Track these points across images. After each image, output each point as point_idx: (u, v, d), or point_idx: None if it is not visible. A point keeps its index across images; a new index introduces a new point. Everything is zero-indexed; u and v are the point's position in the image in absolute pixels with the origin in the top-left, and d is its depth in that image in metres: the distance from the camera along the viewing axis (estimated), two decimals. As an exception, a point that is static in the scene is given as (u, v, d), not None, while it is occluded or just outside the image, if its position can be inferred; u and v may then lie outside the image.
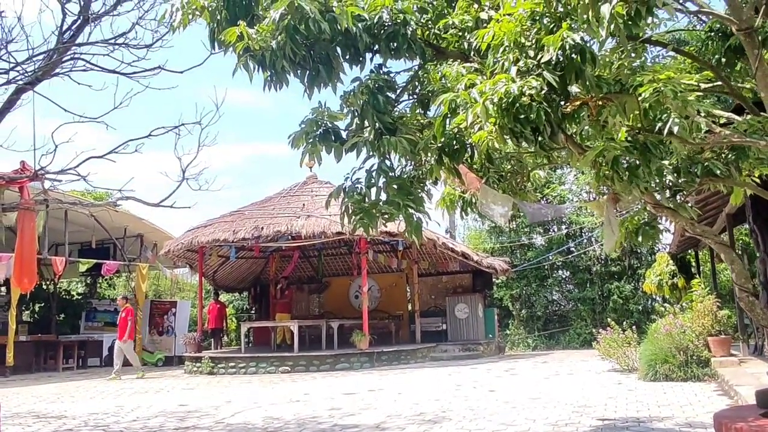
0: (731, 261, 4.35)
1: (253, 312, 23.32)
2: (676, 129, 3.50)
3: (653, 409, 7.40)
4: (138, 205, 8.65)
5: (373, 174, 4.19)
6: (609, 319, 13.80)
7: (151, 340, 20.62)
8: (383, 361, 15.67)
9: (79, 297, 24.53)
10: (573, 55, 3.30)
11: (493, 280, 21.26)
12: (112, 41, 6.94)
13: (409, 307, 20.28)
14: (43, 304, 21.89)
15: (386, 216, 4.24)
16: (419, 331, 18.69)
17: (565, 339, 22.61)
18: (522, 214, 6.33)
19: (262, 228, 16.22)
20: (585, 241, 23.81)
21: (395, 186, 4.18)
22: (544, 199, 22.36)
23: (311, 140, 4.35)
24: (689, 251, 16.80)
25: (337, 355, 15.44)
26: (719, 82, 4.52)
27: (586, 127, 3.92)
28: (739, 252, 15.24)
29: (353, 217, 4.32)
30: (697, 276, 15.55)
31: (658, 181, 3.92)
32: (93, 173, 7.24)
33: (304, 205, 17.10)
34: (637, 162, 3.63)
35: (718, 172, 4.49)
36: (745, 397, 6.63)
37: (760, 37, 3.74)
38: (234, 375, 15.15)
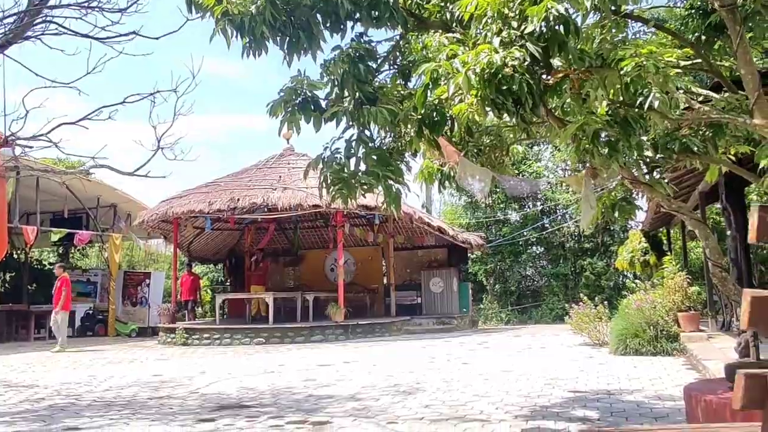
0: (705, 237, 4.40)
1: (228, 284, 23.24)
2: (656, 104, 3.51)
3: (623, 382, 7.54)
4: (113, 174, 8.51)
5: (353, 144, 4.14)
6: (581, 295, 13.99)
7: (124, 311, 20.46)
8: (358, 333, 15.74)
9: (51, 267, 24.20)
10: (557, 27, 3.28)
11: (468, 255, 21.41)
12: (85, 4, 6.76)
13: (385, 281, 20.37)
14: (14, 274, 21.59)
15: (365, 187, 4.21)
16: (394, 305, 18.80)
17: (538, 314, 22.91)
18: (499, 189, 6.35)
19: (238, 200, 16.09)
20: (559, 217, 24.05)
21: (374, 157, 4.14)
22: (521, 174, 22.47)
23: (290, 109, 4.28)
24: (661, 229, 17.05)
25: (312, 328, 15.48)
26: (698, 60, 4.54)
27: (568, 101, 3.91)
28: (710, 229, 15.49)
29: (332, 187, 4.28)
30: (669, 253, 15.79)
31: (636, 156, 3.93)
32: (65, 140, 7.07)
33: (280, 177, 16.98)
34: (617, 136, 3.63)
35: (695, 148, 4.52)
36: (713, 371, 6.77)
37: (741, 15, 3.75)
38: (208, 346, 15.12)
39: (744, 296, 2.14)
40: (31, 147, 7.35)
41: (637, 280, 17.31)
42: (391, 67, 4.66)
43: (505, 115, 3.52)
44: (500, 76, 3.24)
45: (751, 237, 2.20)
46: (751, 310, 2.16)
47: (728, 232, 9.00)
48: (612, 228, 22.90)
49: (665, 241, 17.41)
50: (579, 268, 23.21)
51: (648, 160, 4.76)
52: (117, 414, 6.50)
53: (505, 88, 3.26)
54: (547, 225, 24.05)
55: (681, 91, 4.21)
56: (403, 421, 5.76)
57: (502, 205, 24.81)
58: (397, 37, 4.50)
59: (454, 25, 4.21)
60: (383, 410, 6.30)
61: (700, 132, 4.67)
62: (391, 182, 4.14)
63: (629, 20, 4.62)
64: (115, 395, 7.78)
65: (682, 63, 4.55)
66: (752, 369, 4.34)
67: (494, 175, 5.39)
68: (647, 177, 4.77)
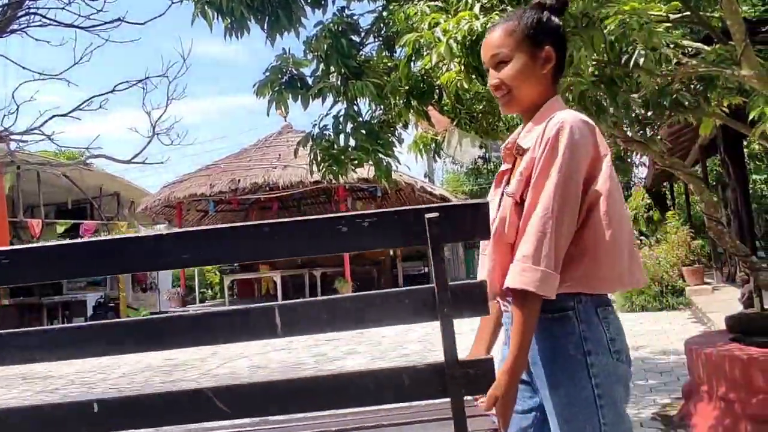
0: (700, 191, 4.39)
1: (235, 265, 23.35)
2: (642, 61, 3.47)
3: (629, 338, 7.52)
4: (112, 163, 8.53)
5: (341, 120, 4.13)
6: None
7: (135, 298, 20.64)
8: (367, 306, 15.83)
9: (59, 258, 24.37)
10: (537, -11, 3.24)
11: (473, 221, 21.41)
12: (68, -6, 6.71)
13: (391, 253, 20.43)
14: (23, 267, 21.72)
15: (355, 162, 4.21)
16: (401, 276, 18.88)
17: (546, 276, 22.98)
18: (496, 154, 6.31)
19: (239, 180, 16.09)
20: (562, 178, 23.98)
21: (363, 131, 4.13)
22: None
23: (277, 88, 4.25)
24: (664, 184, 17.00)
25: (321, 303, 15.56)
26: (688, 12, 4.48)
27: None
28: (714, 183, 15.43)
29: (322, 164, 4.28)
30: (672, 208, 15.77)
31: (625, 114, 3.90)
32: (59, 132, 7.09)
33: (280, 155, 16.93)
34: (604, 96, 3.61)
35: (687, 103, 4.48)
36: (718, 323, 6.81)
37: (725, -36, 3.68)
38: (219, 327, 15.24)
39: None
40: (26, 141, 7.36)
41: (642, 237, 17.32)
42: (376, 40, 4.62)
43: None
44: (482, 42, 3.21)
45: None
46: None
47: (728, 184, 8.97)
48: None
49: (669, 197, 17.37)
50: (584, 228, 23.21)
51: (640, 117, 4.72)
52: (130, 400, 6.60)
53: (487, 54, 3.23)
54: (551, 187, 24.01)
55: (672, 46, 4.17)
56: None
57: (504, 170, 24.73)
58: (380, 8, 4.46)
59: (436, -8, 4.15)
60: (392, 381, 6.38)
61: (692, 86, 4.63)
62: (381, 156, 4.14)
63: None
64: (129, 381, 7.90)
65: (672, 16, 4.49)
66: (752, 319, 4.36)
67: (485, 141, 5.36)
68: (640, 134, 4.74)
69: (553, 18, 1.78)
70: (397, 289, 1.60)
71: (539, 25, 1.75)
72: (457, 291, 1.48)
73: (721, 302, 8.44)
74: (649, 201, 15.57)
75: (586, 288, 1.61)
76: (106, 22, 6.77)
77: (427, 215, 1.48)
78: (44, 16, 6.58)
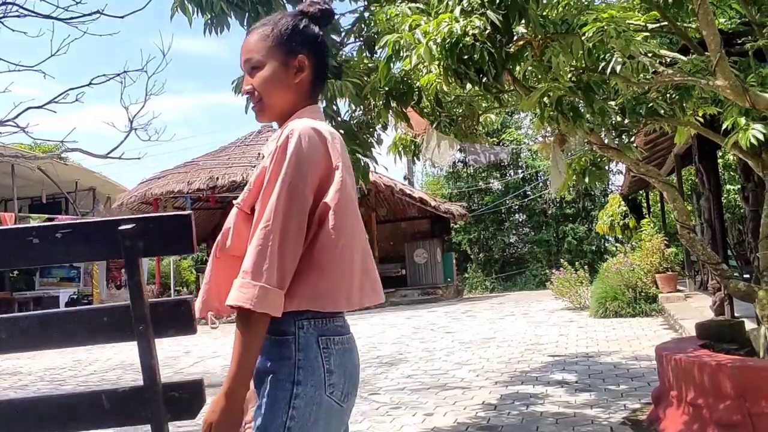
0: (673, 199, 4.44)
1: (212, 263, 23.18)
2: (618, 68, 3.51)
3: (602, 344, 7.67)
4: (92, 158, 8.44)
5: (319, 119, 4.11)
6: (563, 260, 14.12)
7: (109, 295, 20.39)
8: (343, 307, 15.79)
9: (32, 253, 24.02)
10: (516, -6, 3.26)
11: (451, 225, 21.49)
12: (46, -16, 6.60)
13: (369, 254, 20.40)
14: (-6, 261, 21.38)
15: (332, 161, 4.19)
16: (378, 277, 18.85)
17: (522, 281, 23.13)
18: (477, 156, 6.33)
19: (218, 178, 16.00)
20: (541, 184, 24.16)
21: (341, 131, 4.12)
22: (501, 143, 22.53)
23: (256, 86, 4.23)
24: (640, 192, 17.18)
25: (298, 303, 15.51)
26: (666, 23, 4.53)
27: (530, 68, 3.90)
28: (689, 193, 15.63)
29: (300, 163, 4.26)
30: (648, 216, 15.95)
31: (601, 120, 3.94)
32: (34, 125, 6.97)
33: (259, 154, 16.84)
34: (581, 102, 3.64)
35: (662, 111, 4.54)
36: (689, 330, 6.89)
37: (702, -25, 3.73)
38: (194, 326, 15.11)
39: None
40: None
41: (618, 244, 17.48)
42: (357, 40, 4.61)
43: (469, 84, 3.51)
44: (461, 45, 3.22)
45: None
46: None
47: (703, 193, 9.09)
48: (593, 193, 23.09)
49: (645, 204, 17.58)
50: (561, 234, 23.40)
51: (616, 124, 4.78)
52: (100, 397, 6.52)
53: (466, 57, 3.24)
54: (529, 192, 24.18)
55: (650, 55, 4.22)
56: (385, 392, 5.83)
57: (483, 174, 24.89)
58: (361, 9, 4.46)
59: (417, -6, 4.16)
60: (366, 382, 6.37)
61: (668, 95, 4.69)
62: (358, 155, 4.13)
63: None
64: (100, 379, 7.80)
65: (651, 26, 4.55)
66: (722, 327, 4.43)
67: (462, 144, 5.38)
68: (616, 141, 4.79)
69: (311, 26, 1.71)
70: (96, 306, 1.49)
71: (294, 32, 1.68)
72: (159, 309, 1.40)
73: (693, 309, 8.55)
74: (625, 208, 15.73)
75: (313, 305, 1.51)
76: (84, 14, 6.65)
77: (121, 227, 1.39)
78: (22, 7, 6.46)
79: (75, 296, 20.06)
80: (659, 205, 16.26)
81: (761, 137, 3.51)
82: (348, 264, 1.55)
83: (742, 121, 3.61)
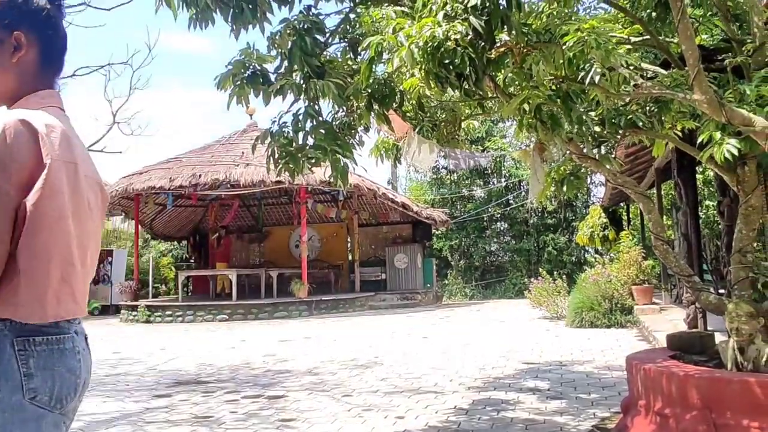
0: (649, 210, 4.50)
1: (192, 261, 23.06)
2: (597, 78, 3.55)
3: (576, 353, 7.72)
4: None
5: (300, 118, 4.12)
6: (541, 270, 14.21)
7: (85, 289, 20.18)
8: (322, 309, 15.79)
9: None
10: (499, 1, 3.28)
11: (433, 231, 21.55)
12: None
13: (350, 257, 20.42)
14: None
15: (312, 161, 4.20)
16: (359, 281, 18.88)
17: (502, 289, 23.23)
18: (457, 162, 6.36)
19: (200, 176, 15.90)
20: (523, 193, 24.29)
21: (322, 131, 4.12)
22: (485, 150, 22.65)
23: (238, 82, 4.22)
24: (621, 205, 17.33)
25: (276, 304, 15.48)
26: (648, 36, 4.59)
27: (510, 75, 3.93)
28: (669, 207, 15.79)
29: (279, 161, 4.26)
30: (628, 228, 16.09)
31: (577, 129, 3.98)
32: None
33: (243, 153, 16.80)
34: (559, 110, 3.67)
35: (641, 124, 4.59)
36: (663, 342, 6.95)
37: (683, -10, 3.79)
38: (171, 323, 15.04)
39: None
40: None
41: (597, 255, 17.61)
42: (341, 41, 4.62)
43: (450, 88, 3.53)
44: (443, 49, 3.24)
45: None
46: None
47: (680, 207, 9.20)
48: (574, 204, 23.27)
49: (625, 217, 17.73)
50: (542, 244, 23.54)
51: (596, 135, 4.82)
52: (71, 391, 6.45)
53: (447, 61, 3.26)
54: (511, 201, 24.30)
55: (631, 67, 4.27)
56: (358, 394, 5.83)
57: (467, 182, 24.99)
58: (347, 10, 4.47)
59: (403, -2, 4.19)
60: (339, 384, 6.36)
61: (647, 107, 4.75)
62: (338, 156, 4.14)
63: (580, -5, 4.65)
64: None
65: (633, 39, 4.60)
66: (692, 338, 4.48)
67: (443, 149, 5.41)
68: (595, 152, 4.84)
69: (34, 0, 1.56)
70: None
71: (9, 7, 1.52)
72: None
73: (668, 322, 8.64)
74: (605, 220, 15.85)
75: (8, 313, 1.39)
76: (70, 6, 6.62)
77: None
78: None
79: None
80: (639, 217, 16.41)
81: (735, 152, 3.56)
82: (42, 271, 1.42)
83: (718, 135, 3.66)
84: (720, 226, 14.35)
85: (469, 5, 3.35)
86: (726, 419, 3.41)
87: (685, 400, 3.59)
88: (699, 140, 3.81)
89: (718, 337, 4.48)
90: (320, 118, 4.20)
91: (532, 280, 13.60)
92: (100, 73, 7.56)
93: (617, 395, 5.23)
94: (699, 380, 3.57)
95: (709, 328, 6.84)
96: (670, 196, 16.90)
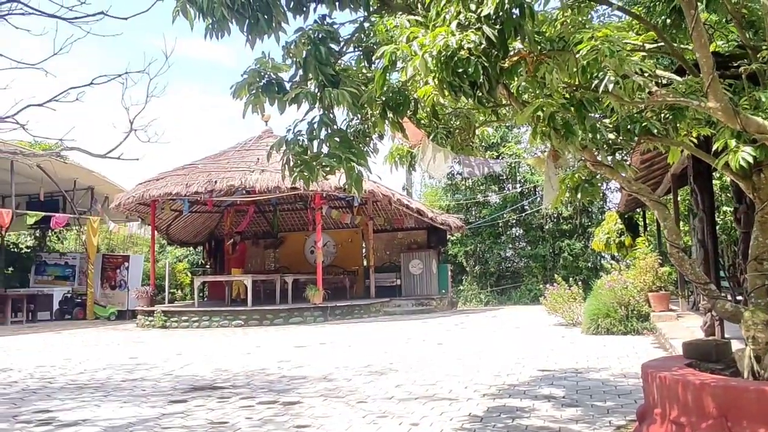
0: (664, 218, 4.48)
1: (208, 267, 23.20)
2: (611, 87, 3.55)
3: (592, 360, 7.68)
4: (89, 157, 8.52)
5: (315, 126, 4.15)
6: (557, 276, 14.15)
7: (103, 294, 20.38)
8: (337, 315, 15.82)
9: (28, 250, 24.01)
10: (512, 10, 3.30)
11: (448, 236, 21.53)
12: (51, -17, 6.66)
13: (365, 263, 20.44)
14: (-10, 258, 21.41)
15: (327, 168, 4.23)
16: (374, 286, 18.89)
17: (517, 295, 23.13)
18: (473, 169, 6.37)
19: (216, 182, 16.01)
20: (538, 199, 24.20)
21: (337, 139, 4.15)
22: (500, 157, 22.61)
23: (254, 91, 4.26)
24: (638, 210, 17.23)
25: (291, 310, 15.53)
26: (663, 43, 4.58)
27: (524, 83, 3.95)
28: (686, 213, 15.66)
29: (294, 169, 4.30)
30: (644, 234, 15.98)
31: (591, 137, 3.98)
32: (35, 122, 7.02)
33: (258, 159, 16.90)
34: (573, 119, 3.68)
35: (656, 131, 4.58)
36: (679, 349, 6.91)
37: (697, -3, 3.79)
38: (187, 329, 15.13)
39: None
40: (-1, 129, 7.28)
41: (613, 261, 17.51)
42: (356, 50, 4.66)
43: (463, 97, 3.55)
44: (456, 58, 3.27)
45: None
46: None
47: (697, 213, 9.13)
48: (590, 210, 23.14)
49: (641, 222, 17.62)
50: (557, 250, 23.42)
51: (610, 142, 4.81)
52: (89, 396, 6.52)
53: (461, 70, 3.29)
54: (527, 207, 24.20)
55: (646, 74, 4.26)
56: (373, 401, 5.84)
57: (482, 187, 24.94)
58: (361, 19, 4.50)
59: (417, 7, 4.21)
60: (354, 390, 6.38)
61: (662, 115, 4.73)
62: (353, 164, 4.17)
63: (595, 3, 4.65)
64: (89, 378, 7.79)
65: (648, 46, 4.60)
66: (708, 346, 4.45)
67: (457, 157, 5.42)
68: (609, 159, 4.83)
69: None
70: None
71: None
72: None
73: (685, 329, 8.57)
74: (621, 226, 15.75)
75: None
76: (88, 15, 6.72)
77: None
78: (26, 5, 6.53)
79: (69, 295, 20.04)
80: (656, 224, 16.29)
81: (751, 160, 3.55)
82: None
83: (733, 142, 3.65)
84: (737, 233, 14.23)
85: (482, 14, 3.37)
86: (742, 428, 3.39)
87: (701, 408, 3.57)
88: (714, 147, 3.80)
89: (736, 345, 4.45)
90: (335, 126, 4.23)
91: (547, 286, 13.55)
92: (117, 82, 7.65)
93: (633, 403, 5.21)
94: (715, 389, 3.55)
95: (726, 336, 6.79)
96: (687, 201, 16.77)
